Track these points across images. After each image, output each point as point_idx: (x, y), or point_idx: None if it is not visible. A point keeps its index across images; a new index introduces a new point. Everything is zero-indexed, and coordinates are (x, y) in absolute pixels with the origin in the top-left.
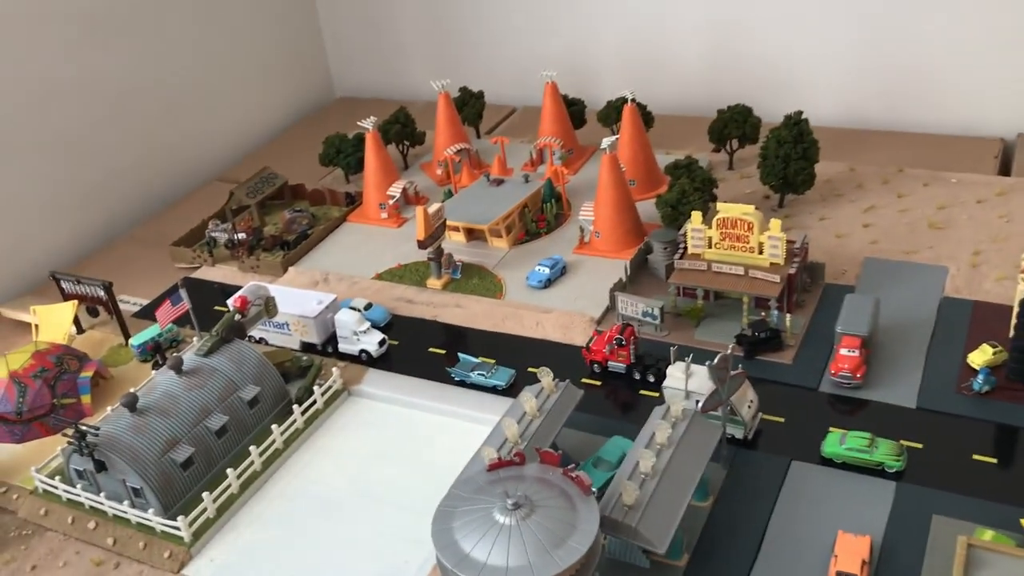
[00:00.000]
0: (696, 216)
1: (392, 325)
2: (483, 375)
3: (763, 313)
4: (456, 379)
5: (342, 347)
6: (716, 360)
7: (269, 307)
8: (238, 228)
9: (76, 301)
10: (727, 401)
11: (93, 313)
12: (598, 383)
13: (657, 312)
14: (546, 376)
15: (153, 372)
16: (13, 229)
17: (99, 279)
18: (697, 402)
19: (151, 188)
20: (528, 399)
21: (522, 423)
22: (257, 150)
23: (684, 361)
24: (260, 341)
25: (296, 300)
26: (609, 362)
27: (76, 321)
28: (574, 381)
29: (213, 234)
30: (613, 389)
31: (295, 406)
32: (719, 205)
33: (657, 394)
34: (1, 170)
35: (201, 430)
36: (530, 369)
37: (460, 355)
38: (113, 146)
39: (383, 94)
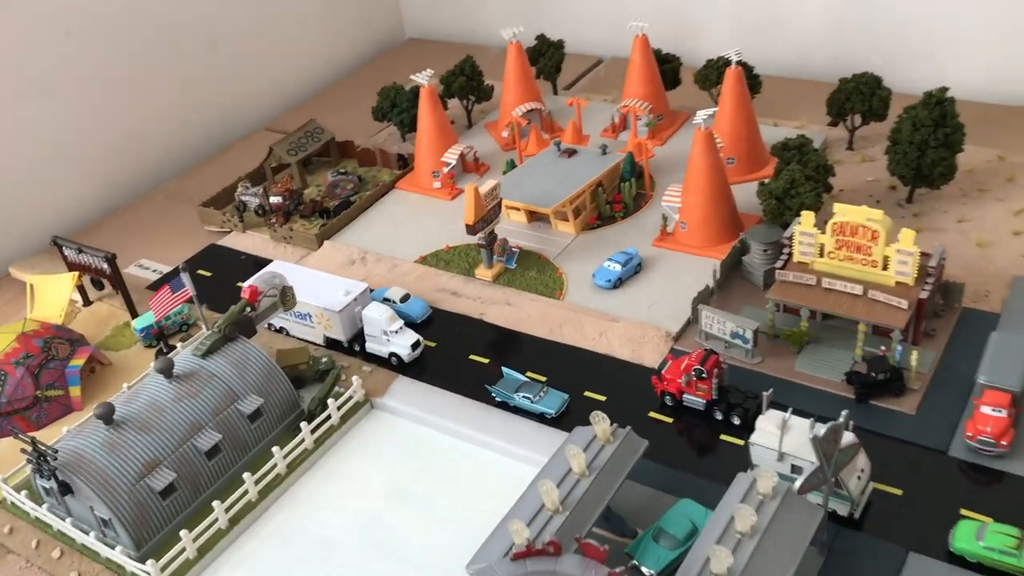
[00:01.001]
0: (807, 217)
1: (431, 321)
2: (529, 398)
3: (882, 347)
4: (497, 399)
5: (370, 347)
6: (824, 431)
7: (286, 298)
8: (274, 190)
9: (76, 274)
10: (833, 478)
11: (98, 286)
12: (668, 419)
13: (750, 335)
14: (601, 423)
15: (152, 366)
16: (33, 176)
17: (102, 249)
18: (792, 468)
19: (189, 136)
20: (575, 454)
21: (565, 485)
22: (313, 97)
23: (781, 415)
24: (280, 331)
25: (322, 287)
26: (684, 395)
27: (82, 292)
28: (639, 413)
29: (243, 198)
30: (687, 429)
31: (304, 424)
32: (837, 207)
33: (742, 442)
34: (23, 110)
35: (188, 450)
36: (587, 394)
37: (504, 369)
38: (149, 86)
39: (455, 37)
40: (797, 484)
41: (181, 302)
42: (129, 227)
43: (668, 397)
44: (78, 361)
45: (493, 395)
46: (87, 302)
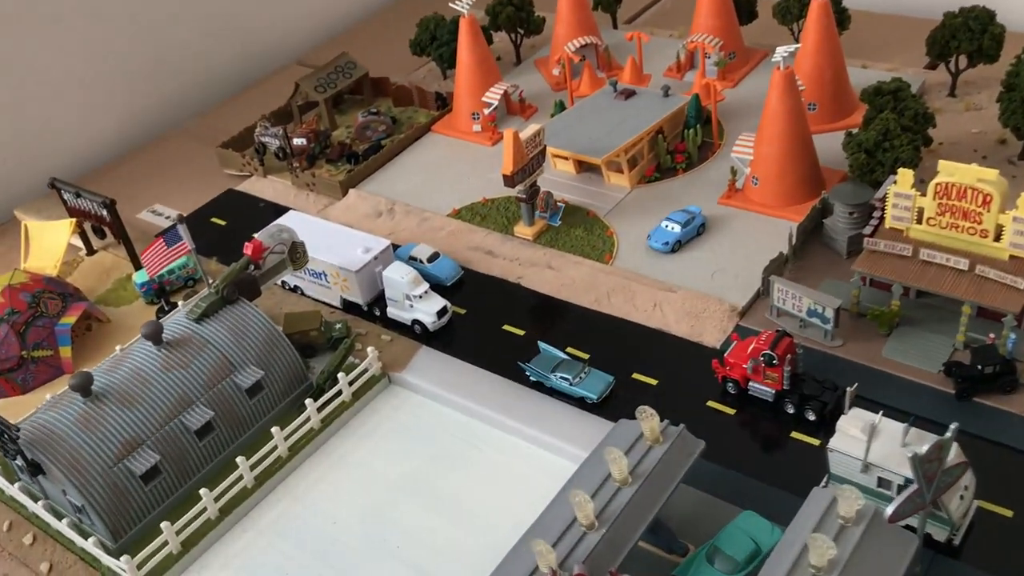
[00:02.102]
0: (905, 176)
1: (461, 285)
2: (567, 379)
3: (991, 335)
4: (531, 378)
5: (391, 312)
6: (927, 450)
7: (296, 256)
8: (298, 131)
9: (73, 220)
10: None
11: (100, 234)
12: (730, 411)
13: (830, 314)
14: (648, 420)
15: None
16: (40, 112)
17: (100, 194)
18: (879, 481)
19: (214, 69)
20: (616, 458)
21: (602, 494)
22: (347, 29)
23: (869, 416)
24: (295, 290)
25: (340, 243)
26: (750, 383)
27: (85, 239)
28: (695, 402)
29: (262, 139)
30: (751, 422)
31: (309, 401)
32: (943, 164)
33: (817, 442)
34: (29, 37)
35: (176, 428)
36: (636, 377)
37: (541, 345)
38: (168, 13)
39: None
40: (889, 509)
41: (178, 257)
42: (144, 169)
43: (731, 384)
44: (70, 318)
45: (527, 373)
46: (90, 251)
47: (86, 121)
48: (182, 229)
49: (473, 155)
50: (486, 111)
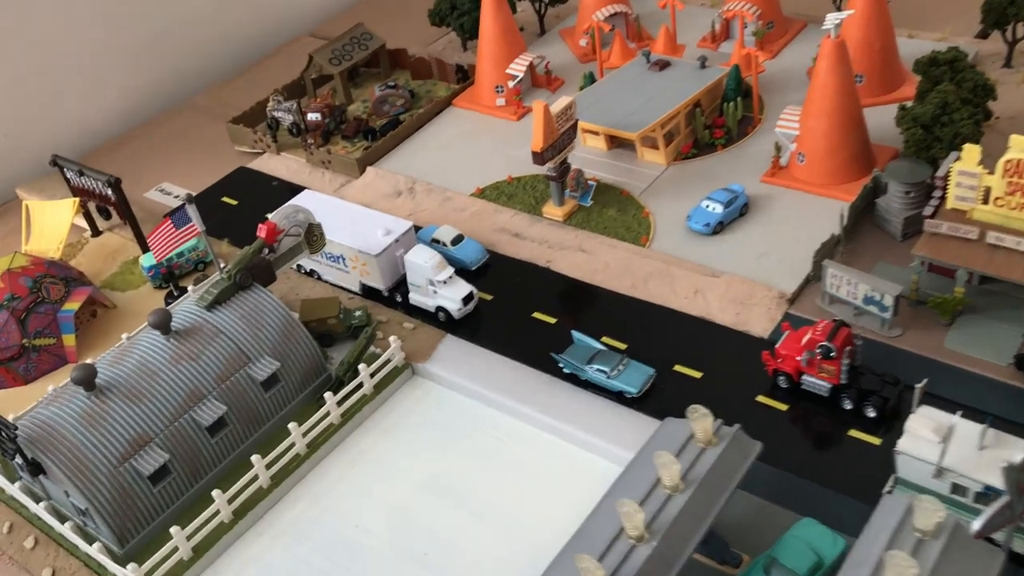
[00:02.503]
0: (970, 152)
1: (487, 269)
2: (604, 372)
3: None
4: (565, 370)
5: (414, 299)
6: (1021, 459)
7: (312, 239)
8: (312, 106)
9: (76, 200)
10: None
11: (105, 214)
12: (781, 406)
13: (889, 301)
14: (701, 421)
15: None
16: (43, 87)
17: (105, 172)
18: (953, 487)
19: (223, 41)
20: (667, 463)
21: (651, 502)
22: None
23: (942, 416)
24: (311, 274)
25: (359, 225)
26: (804, 376)
27: (90, 219)
28: (743, 396)
29: (275, 113)
30: (805, 419)
31: (329, 394)
32: (1015, 139)
33: (878, 441)
34: (39, 8)
35: (186, 425)
36: (678, 369)
37: (575, 335)
38: None
39: None
40: (977, 524)
41: (187, 240)
42: (151, 146)
43: (782, 378)
44: (73, 304)
45: (560, 365)
46: (95, 231)
47: (90, 95)
48: (191, 209)
49: (497, 130)
50: (511, 84)
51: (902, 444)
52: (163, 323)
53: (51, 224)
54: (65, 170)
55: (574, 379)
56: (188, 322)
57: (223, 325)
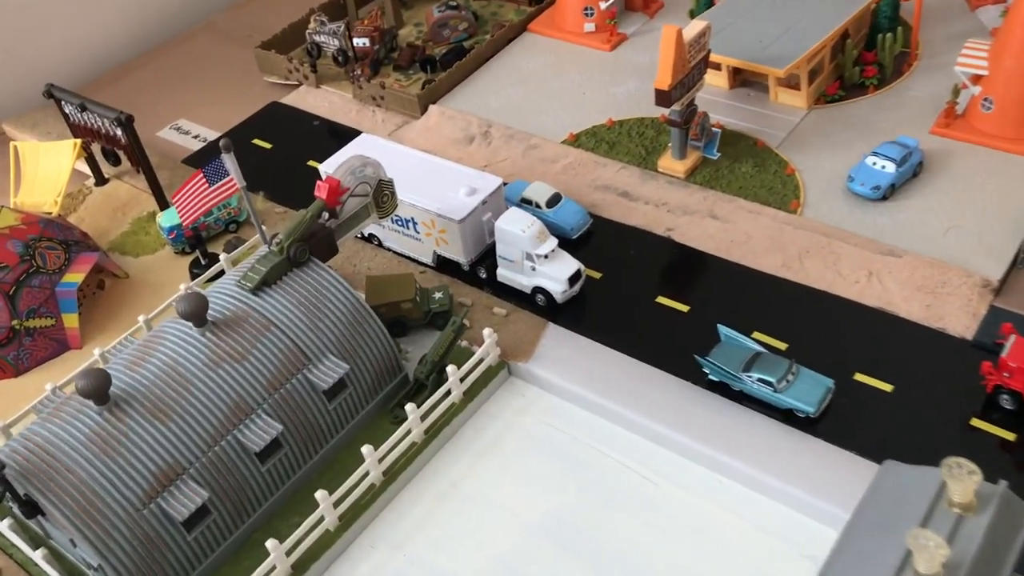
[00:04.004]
0: None
1: (590, 236)
2: (770, 384)
3: None
4: (712, 377)
5: (503, 274)
6: None
7: (382, 199)
8: (359, 29)
9: (77, 142)
10: None
11: (112, 159)
12: (1008, 435)
13: None
14: (964, 480)
15: (181, 290)
16: (37, 5)
17: (114, 108)
18: None
19: None
20: (931, 546)
21: None
22: None
23: None
24: (369, 240)
25: (435, 180)
26: None
27: (93, 165)
28: (950, 418)
29: (316, 37)
30: None
31: (411, 406)
32: None
33: None
34: None
35: (229, 449)
36: (859, 378)
37: (722, 330)
38: None
39: None
40: None
41: (222, 198)
42: (163, 76)
43: (1006, 397)
44: (76, 275)
45: (706, 371)
46: (100, 179)
47: (91, 15)
48: (229, 160)
49: (587, 62)
50: (603, 5)
51: None
52: (197, 312)
53: (47, 171)
54: (63, 104)
55: (723, 388)
56: (229, 310)
57: (275, 314)
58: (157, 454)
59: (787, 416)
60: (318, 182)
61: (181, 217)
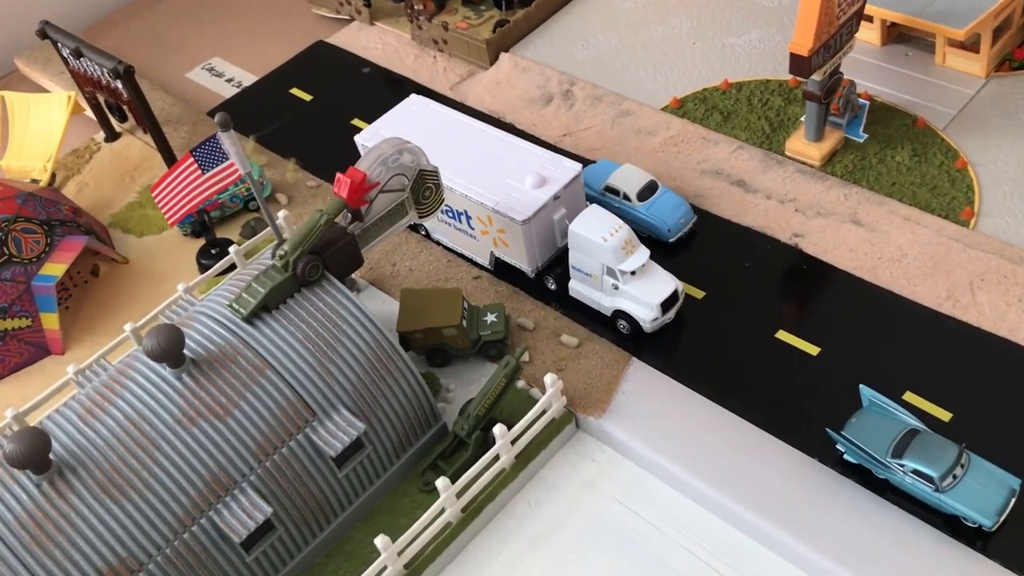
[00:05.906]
0: None
1: (692, 238)
2: (931, 479)
3: None
4: (848, 458)
5: (576, 289)
6: None
7: (424, 192)
8: None
9: (72, 94)
10: None
11: (118, 114)
12: None
13: None
14: None
15: (179, 291)
16: None
17: (112, 56)
18: None
19: None
20: None
21: None
22: None
23: None
24: (416, 229)
25: (497, 162)
26: None
27: (102, 117)
28: None
29: None
30: None
31: (443, 482)
32: None
33: None
34: None
35: (202, 536)
36: None
37: (865, 392)
38: None
39: None
40: None
41: (219, 190)
42: (192, 6)
43: None
44: (56, 267)
45: (839, 447)
46: (111, 134)
47: None
48: (227, 139)
49: (699, 4)
50: None
51: None
52: (170, 352)
53: (37, 129)
54: (59, 45)
55: (863, 473)
56: (214, 345)
57: (272, 352)
58: (107, 544)
59: (952, 524)
60: (338, 175)
61: (165, 215)
